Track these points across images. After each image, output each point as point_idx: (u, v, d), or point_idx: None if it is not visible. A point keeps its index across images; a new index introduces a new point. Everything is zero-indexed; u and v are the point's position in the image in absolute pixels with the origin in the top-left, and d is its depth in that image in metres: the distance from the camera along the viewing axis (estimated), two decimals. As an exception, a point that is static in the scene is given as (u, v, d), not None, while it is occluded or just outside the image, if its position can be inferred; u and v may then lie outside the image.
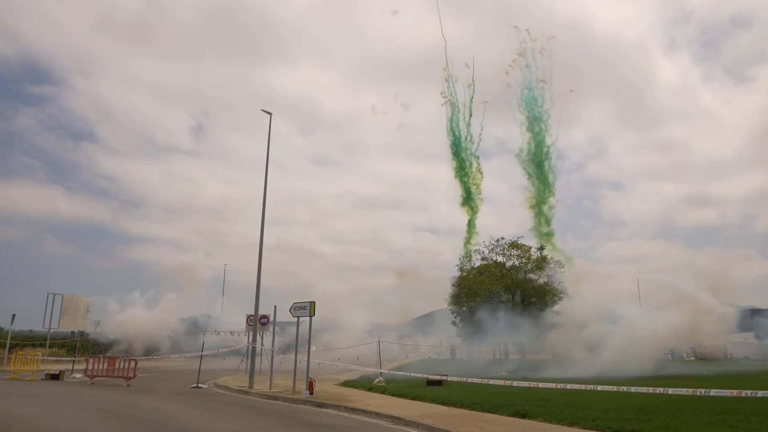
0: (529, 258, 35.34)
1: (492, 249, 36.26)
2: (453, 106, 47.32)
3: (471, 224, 48.82)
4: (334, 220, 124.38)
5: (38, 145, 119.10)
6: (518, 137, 49.04)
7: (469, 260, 38.27)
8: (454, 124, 47.64)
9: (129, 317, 39.59)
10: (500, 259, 36.05)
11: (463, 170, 48.17)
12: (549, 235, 45.77)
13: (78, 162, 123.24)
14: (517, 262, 35.54)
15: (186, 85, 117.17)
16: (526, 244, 36.08)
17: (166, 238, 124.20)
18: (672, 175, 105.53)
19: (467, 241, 47.39)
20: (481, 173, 48.63)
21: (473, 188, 48.26)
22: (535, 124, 45.76)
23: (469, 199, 48.77)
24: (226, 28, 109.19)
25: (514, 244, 35.79)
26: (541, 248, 35.71)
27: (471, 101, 47.04)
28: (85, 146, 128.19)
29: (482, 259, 37.11)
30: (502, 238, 36.31)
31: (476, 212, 48.96)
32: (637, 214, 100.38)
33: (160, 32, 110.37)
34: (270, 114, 21.77)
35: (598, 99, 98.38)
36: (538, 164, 46.02)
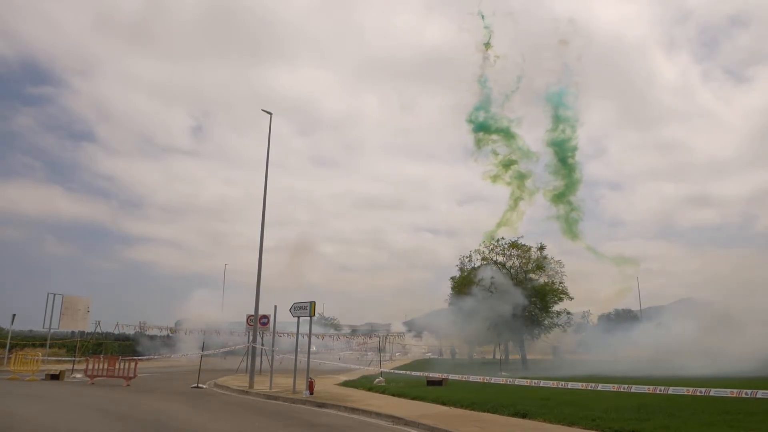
0: (529, 258, 35.32)
1: (492, 249, 36.25)
2: (485, 89, 44.49)
3: (514, 198, 42.98)
4: (334, 220, 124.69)
5: (38, 146, 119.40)
6: (526, 135, 46.93)
7: (491, 241, 36.61)
8: (477, 111, 44.82)
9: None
10: (500, 259, 36.03)
11: (493, 132, 43.64)
12: (573, 222, 43.27)
13: (78, 162, 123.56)
14: (517, 262, 35.52)
15: (186, 85, 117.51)
16: (526, 244, 36.05)
17: (166, 238, 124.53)
18: (672, 175, 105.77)
19: (502, 223, 43.43)
20: (527, 149, 44.20)
21: (518, 156, 43.86)
22: (560, 123, 44.20)
23: (509, 167, 43.90)
24: (225, 28, 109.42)
25: (514, 244, 35.76)
26: (541, 248, 35.65)
27: (519, 77, 43.62)
28: (84, 146, 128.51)
29: (482, 259, 37.08)
30: (503, 238, 36.32)
31: (528, 192, 43.84)
32: (637, 214, 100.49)
33: (160, 32, 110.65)
34: (270, 114, 21.77)
35: (598, 98, 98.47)
36: (562, 160, 43.92)
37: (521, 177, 42.90)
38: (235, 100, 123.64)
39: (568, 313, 35.81)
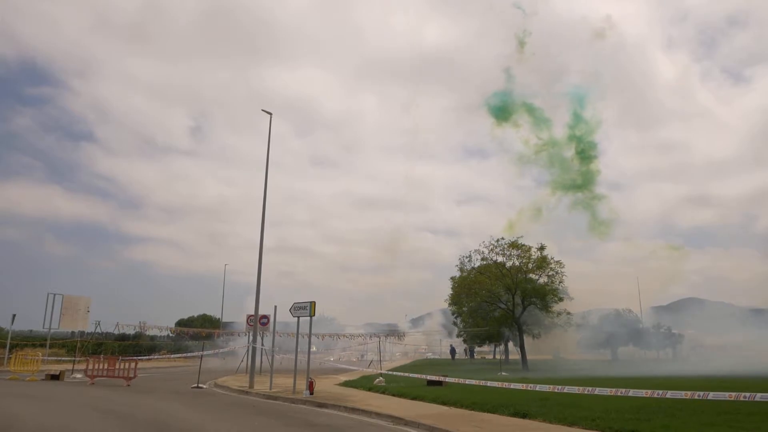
0: (529, 258, 35.28)
1: (492, 249, 36.20)
2: (509, 83, 44.67)
3: (563, 177, 44.09)
4: (333, 220, 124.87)
5: (37, 146, 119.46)
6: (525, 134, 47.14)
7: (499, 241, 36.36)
8: (497, 96, 44.91)
9: None
10: (500, 259, 36.01)
11: (519, 108, 43.49)
12: (605, 221, 43.30)
13: (77, 162, 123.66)
14: (517, 262, 35.49)
15: (184, 86, 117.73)
16: (526, 243, 36.01)
17: (165, 239, 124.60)
18: (672, 176, 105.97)
19: (536, 209, 43.52)
20: (554, 139, 44.42)
21: (548, 140, 44.04)
22: (578, 121, 44.62)
23: (546, 149, 43.84)
24: (224, 29, 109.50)
25: (514, 244, 35.72)
26: (542, 248, 35.61)
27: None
28: (84, 146, 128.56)
29: (482, 259, 37.06)
30: (502, 238, 36.25)
31: (572, 181, 43.90)
32: (636, 214, 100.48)
33: (159, 33, 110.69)
34: (270, 114, 21.71)
35: (597, 98, 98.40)
36: (580, 152, 44.08)
37: (562, 163, 42.76)
38: (233, 100, 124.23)
39: (568, 313, 35.85)
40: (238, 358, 27.87)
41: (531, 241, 35.63)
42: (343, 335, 52.42)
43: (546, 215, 43.32)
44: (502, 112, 44.06)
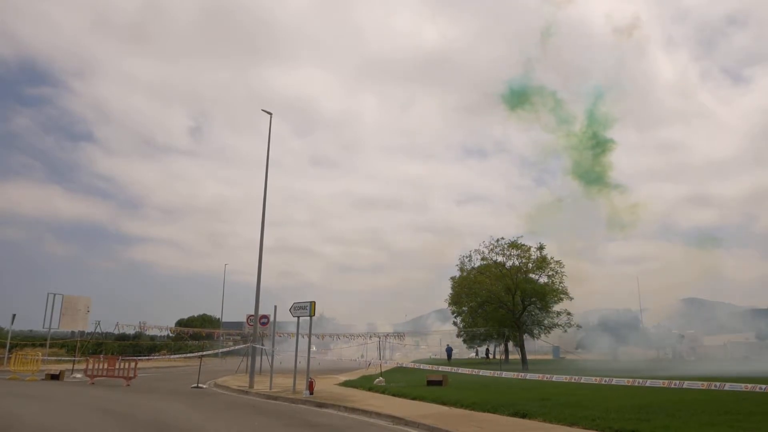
0: (529, 258, 35.30)
1: (492, 249, 36.22)
2: (527, 67, 45.83)
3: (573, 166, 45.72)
4: (332, 220, 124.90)
5: (37, 146, 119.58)
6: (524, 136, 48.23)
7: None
8: (513, 82, 45.80)
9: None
10: (500, 259, 36.03)
11: (536, 93, 44.22)
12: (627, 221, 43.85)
13: (77, 162, 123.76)
14: (517, 262, 35.51)
15: (184, 86, 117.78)
16: (526, 243, 36.04)
17: (165, 239, 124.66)
18: (672, 176, 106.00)
19: (554, 205, 44.92)
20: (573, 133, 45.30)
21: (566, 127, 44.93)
22: (593, 120, 45.30)
23: (570, 136, 44.58)
24: (223, 29, 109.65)
25: (513, 244, 35.74)
26: (541, 248, 35.64)
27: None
28: (83, 146, 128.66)
29: (482, 259, 37.08)
30: (502, 238, 36.28)
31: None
32: (637, 214, 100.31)
33: (158, 33, 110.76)
34: (270, 114, 21.71)
35: (609, 96, 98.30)
36: (595, 146, 44.78)
37: (583, 152, 43.14)
38: (233, 100, 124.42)
39: (568, 313, 35.86)
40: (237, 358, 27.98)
41: (547, 237, 35.94)
42: (343, 335, 52.30)
43: (565, 207, 43.91)
44: (518, 95, 44.62)
